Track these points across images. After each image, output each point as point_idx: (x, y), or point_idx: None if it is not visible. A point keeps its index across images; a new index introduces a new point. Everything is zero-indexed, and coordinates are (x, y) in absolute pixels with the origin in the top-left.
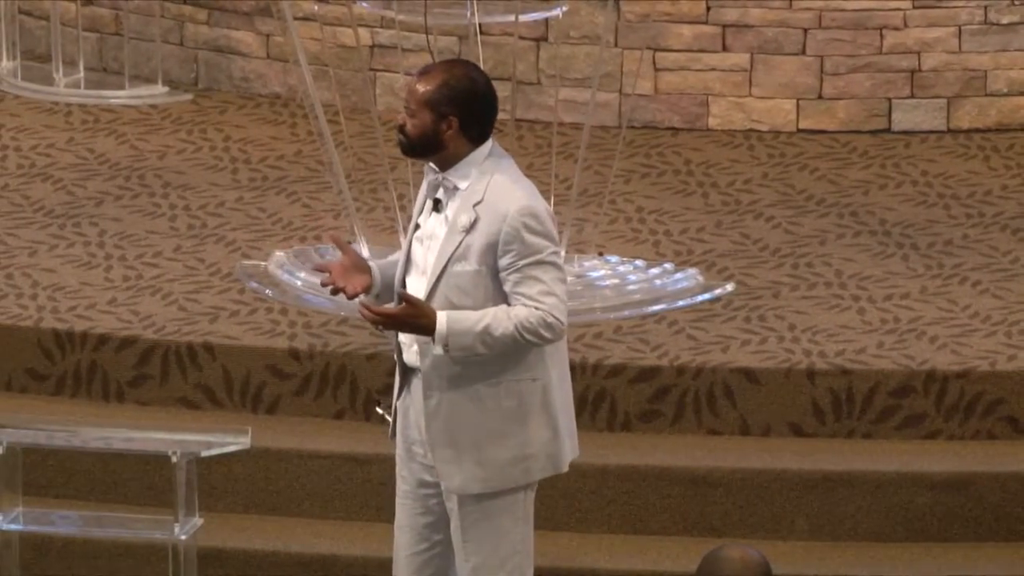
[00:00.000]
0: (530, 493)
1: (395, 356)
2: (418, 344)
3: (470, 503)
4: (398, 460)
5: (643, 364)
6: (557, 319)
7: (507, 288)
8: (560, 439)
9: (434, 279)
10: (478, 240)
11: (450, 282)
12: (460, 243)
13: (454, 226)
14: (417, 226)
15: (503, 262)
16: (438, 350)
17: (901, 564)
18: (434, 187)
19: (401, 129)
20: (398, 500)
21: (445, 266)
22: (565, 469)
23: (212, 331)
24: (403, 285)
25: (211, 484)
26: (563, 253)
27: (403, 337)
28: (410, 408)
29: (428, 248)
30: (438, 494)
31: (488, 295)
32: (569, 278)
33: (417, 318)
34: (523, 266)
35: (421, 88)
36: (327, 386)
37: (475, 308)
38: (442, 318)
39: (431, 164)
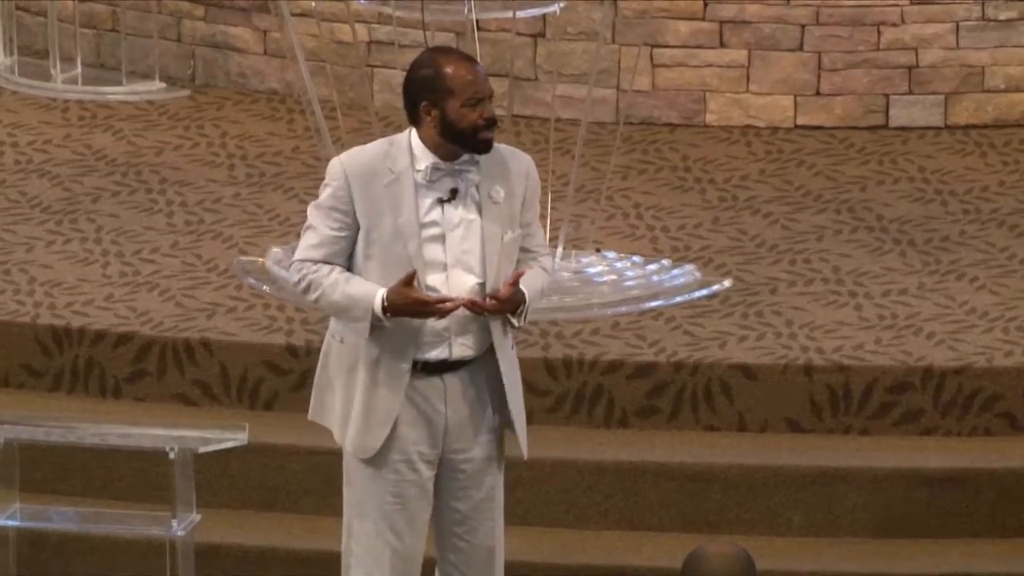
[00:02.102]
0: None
1: (411, 366)
2: (472, 333)
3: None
4: (405, 470)
5: (640, 360)
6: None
7: (524, 242)
8: None
9: (495, 258)
10: (513, 205)
11: (504, 254)
12: (504, 215)
13: (491, 202)
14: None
15: (526, 217)
16: (521, 323)
17: (898, 560)
18: (439, 179)
19: (495, 121)
20: (404, 510)
21: (501, 242)
22: None
23: (209, 327)
24: (419, 286)
25: (208, 480)
26: (560, 249)
27: (455, 333)
28: (442, 399)
29: (457, 238)
30: (431, 478)
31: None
32: (566, 274)
33: (518, 297)
34: (534, 217)
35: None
36: None
37: (511, 271)
38: (524, 292)
39: (440, 159)
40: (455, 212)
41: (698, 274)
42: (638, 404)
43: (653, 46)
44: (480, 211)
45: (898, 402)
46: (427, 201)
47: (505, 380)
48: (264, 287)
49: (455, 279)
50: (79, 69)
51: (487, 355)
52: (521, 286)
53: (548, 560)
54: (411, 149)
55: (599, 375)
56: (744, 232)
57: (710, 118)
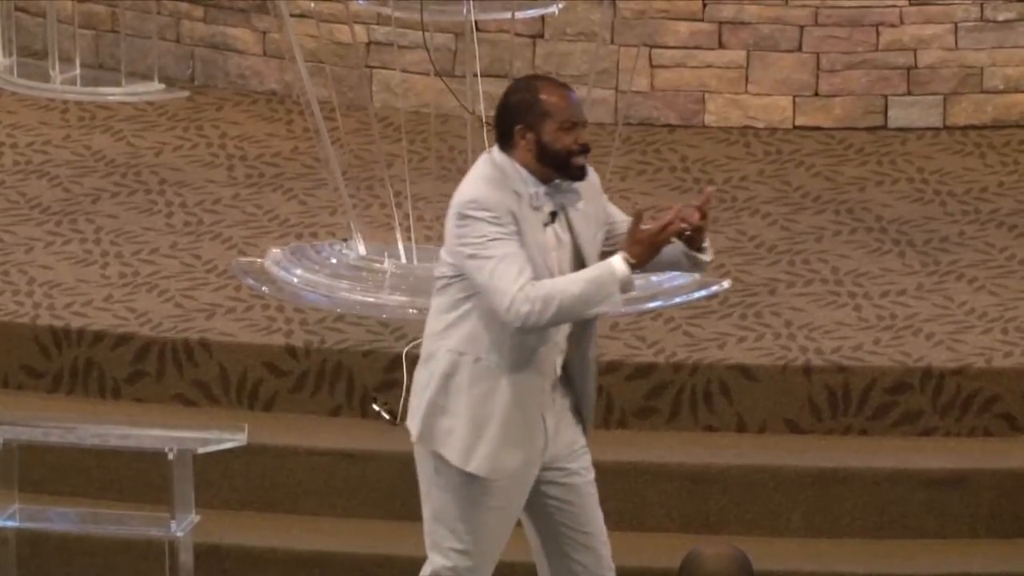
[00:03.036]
0: None
1: (551, 385)
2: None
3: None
4: (524, 483)
5: (639, 361)
6: None
7: (611, 219)
8: None
9: (592, 261)
10: (593, 208)
11: (596, 254)
12: (590, 220)
13: (585, 217)
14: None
15: (609, 210)
16: (710, 254)
17: (897, 561)
18: (538, 201)
19: (588, 148)
20: (497, 514)
21: (594, 243)
22: None
23: (208, 328)
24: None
25: (208, 481)
26: None
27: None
28: (560, 416)
29: (560, 257)
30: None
31: None
32: None
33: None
34: (608, 204)
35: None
36: (323, 383)
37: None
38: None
39: (538, 180)
40: (556, 232)
41: (697, 275)
42: (637, 405)
43: (652, 47)
44: (571, 227)
45: (897, 403)
46: (537, 223)
47: (587, 387)
48: (263, 288)
49: None
50: (78, 70)
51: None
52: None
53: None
54: (520, 172)
55: (598, 375)
56: (743, 233)
57: (709, 119)
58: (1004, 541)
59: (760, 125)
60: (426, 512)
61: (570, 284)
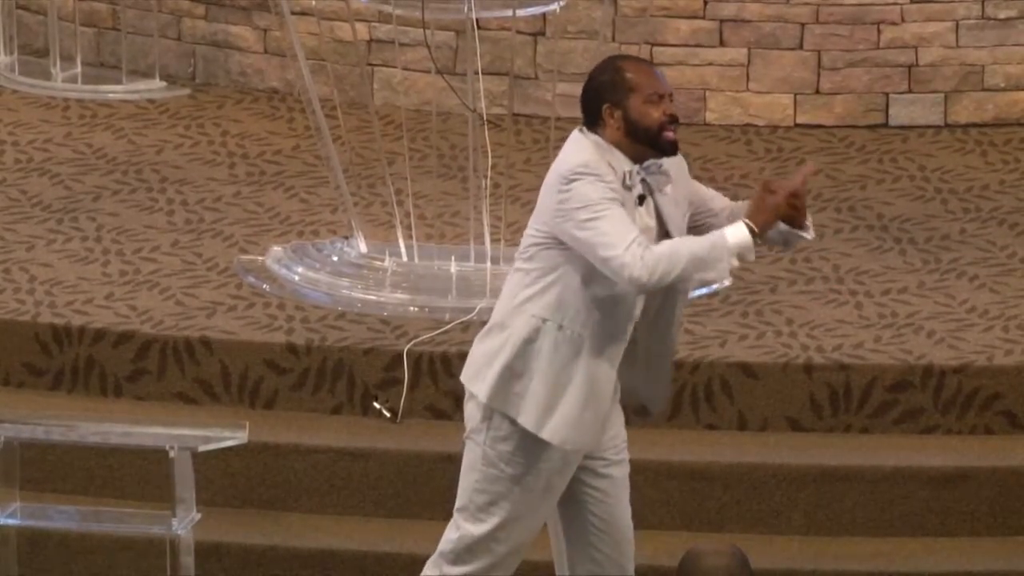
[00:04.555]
0: None
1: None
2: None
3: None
4: (570, 462)
5: None
6: None
7: (700, 196)
8: None
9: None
10: (680, 186)
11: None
12: (680, 197)
13: (674, 201)
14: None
15: (694, 188)
16: (812, 232)
17: (898, 559)
18: (631, 180)
19: (678, 120)
20: (547, 503)
21: (682, 226)
22: None
23: (209, 326)
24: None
25: (208, 479)
26: None
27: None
28: (614, 403)
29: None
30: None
31: None
32: None
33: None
34: (699, 186)
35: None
36: (324, 381)
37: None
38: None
39: (630, 160)
40: (644, 215)
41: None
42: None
43: (653, 44)
44: (660, 211)
45: (898, 401)
46: (631, 203)
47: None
48: (264, 286)
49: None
50: (79, 68)
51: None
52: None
53: (548, 558)
54: (612, 151)
55: None
56: None
57: (710, 117)
58: (1005, 539)
59: (761, 123)
60: (468, 481)
61: (683, 242)
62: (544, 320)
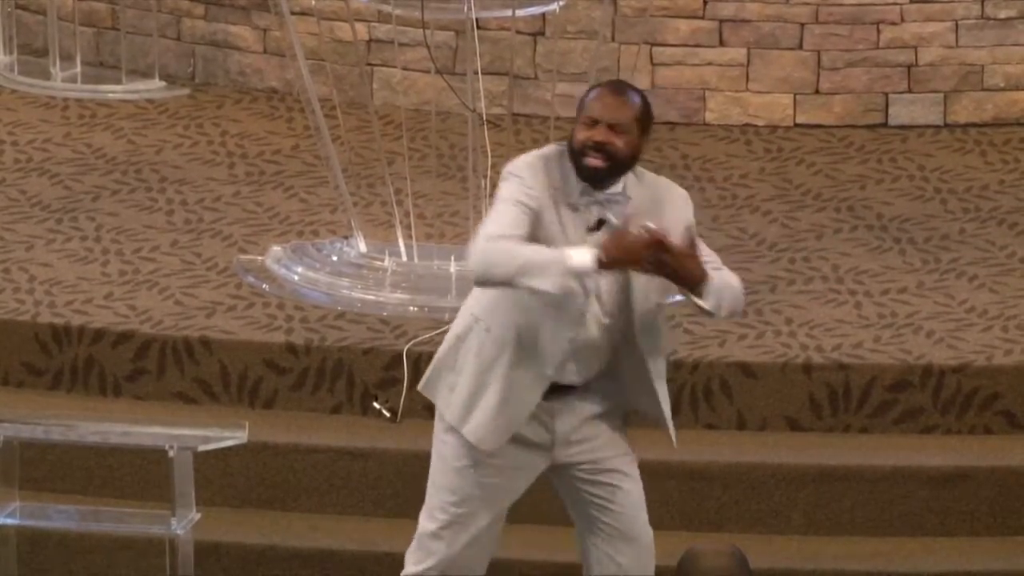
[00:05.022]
0: None
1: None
2: (586, 361)
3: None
4: (504, 455)
5: None
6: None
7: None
8: None
9: (640, 290)
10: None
11: (653, 285)
12: None
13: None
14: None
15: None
16: (709, 303)
17: (897, 558)
18: (591, 207)
19: (605, 148)
20: (474, 491)
21: (647, 284)
22: None
23: (209, 326)
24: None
25: (208, 478)
26: None
27: (563, 360)
28: (562, 417)
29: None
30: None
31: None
32: None
33: (695, 260)
34: (702, 248)
35: (631, 103)
36: (324, 380)
37: (653, 315)
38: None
39: (585, 186)
40: (600, 238)
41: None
42: None
43: (653, 44)
44: None
45: (898, 400)
46: (579, 225)
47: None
48: (264, 286)
49: (599, 309)
50: (79, 67)
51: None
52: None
53: (549, 558)
54: (569, 165)
55: None
56: (744, 230)
57: (709, 116)
58: (1004, 539)
59: (761, 123)
60: (430, 475)
61: (529, 248)
62: (477, 320)
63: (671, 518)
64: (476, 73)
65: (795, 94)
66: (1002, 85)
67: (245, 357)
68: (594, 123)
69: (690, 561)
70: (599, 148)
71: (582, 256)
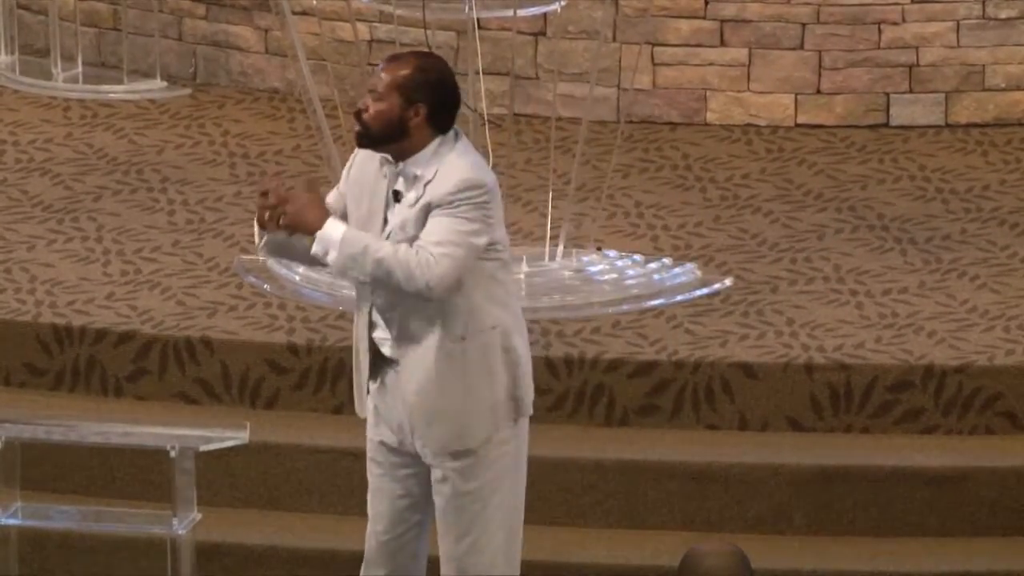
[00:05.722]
0: (504, 438)
1: (360, 356)
2: (394, 330)
3: (457, 463)
4: (372, 449)
5: (641, 359)
6: (433, 269)
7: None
8: (523, 383)
9: None
10: (419, 209)
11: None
12: (404, 217)
13: (403, 205)
14: (385, 221)
15: (429, 218)
16: (319, 249)
17: (899, 559)
18: (393, 178)
19: (360, 115)
20: (373, 489)
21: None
22: (530, 411)
23: (210, 326)
24: None
25: (209, 479)
26: (561, 248)
27: (379, 333)
28: (387, 396)
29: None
30: (417, 473)
31: None
32: (568, 273)
33: (307, 208)
34: (437, 215)
35: (392, 72)
36: (325, 381)
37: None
38: (333, 223)
39: (386, 155)
40: (397, 213)
41: (699, 273)
42: (639, 403)
43: (654, 44)
44: (393, 213)
45: (899, 401)
46: (387, 197)
47: (410, 386)
48: (265, 286)
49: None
50: (80, 68)
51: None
52: (334, 220)
53: (549, 559)
54: None
55: (600, 374)
56: (745, 231)
57: (711, 116)
58: (1005, 539)
59: (762, 123)
60: None
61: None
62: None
63: (672, 518)
64: (477, 73)
65: (796, 94)
66: (1003, 85)
67: (246, 357)
68: (366, 92)
69: (692, 561)
70: (357, 115)
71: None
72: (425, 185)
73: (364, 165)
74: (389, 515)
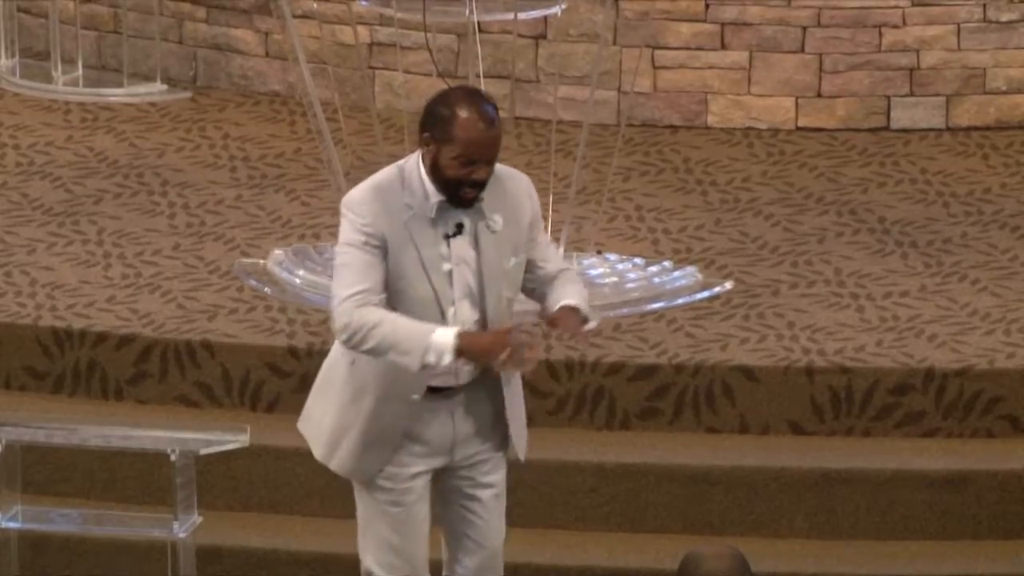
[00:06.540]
0: None
1: (399, 419)
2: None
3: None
4: (401, 491)
5: (642, 362)
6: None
7: (533, 254)
8: None
9: (495, 289)
10: (516, 231)
11: (507, 282)
12: (504, 242)
13: (489, 232)
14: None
15: (532, 234)
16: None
17: (899, 562)
18: (443, 217)
19: (482, 185)
20: (406, 524)
21: (502, 270)
22: None
23: (211, 329)
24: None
25: (210, 482)
26: (561, 251)
27: (442, 380)
28: (454, 421)
29: (461, 273)
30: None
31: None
32: None
33: (574, 321)
34: (539, 232)
35: (499, 131)
36: None
37: (512, 296)
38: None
39: (442, 201)
40: (459, 246)
41: (699, 276)
42: (640, 406)
43: (654, 48)
44: (477, 243)
45: (900, 404)
46: (437, 235)
47: (506, 403)
48: (265, 289)
49: (460, 314)
50: (80, 71)
51: (490, 376)
52: (567, 303)
53: (550, 561)
54: (423, 182)
55: (601, 377)
56: (746, 234)
57: (711, 120)
58: (1006, 542)
59: (763, 126)
60: None
61: (393, 321)
62: (343, 352)
63: (673, 521)
64: (478, 76)
65: (797, 97)
66: (1004, 88)
67: (247, 360)
68: (473, 163)
69: (692, 564)
70: (477, 184)
71: (444, 338)
72: (496, 208)
73: (376, 220)
74: (423, 541)
